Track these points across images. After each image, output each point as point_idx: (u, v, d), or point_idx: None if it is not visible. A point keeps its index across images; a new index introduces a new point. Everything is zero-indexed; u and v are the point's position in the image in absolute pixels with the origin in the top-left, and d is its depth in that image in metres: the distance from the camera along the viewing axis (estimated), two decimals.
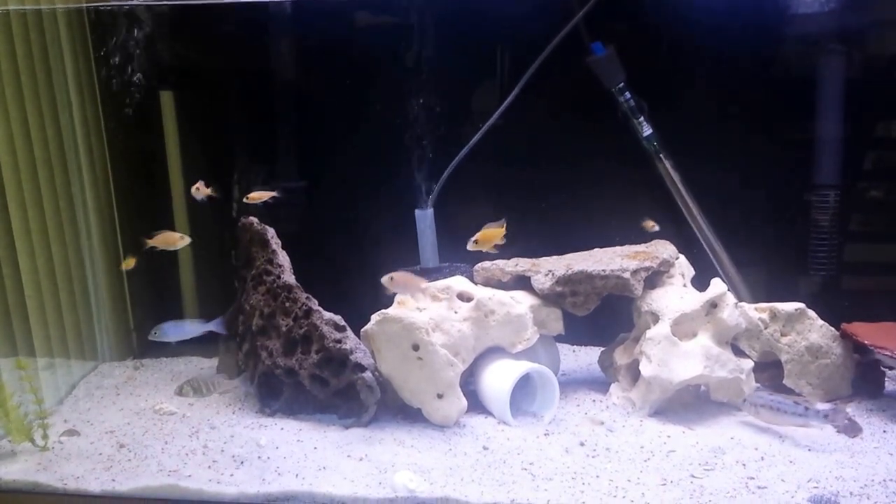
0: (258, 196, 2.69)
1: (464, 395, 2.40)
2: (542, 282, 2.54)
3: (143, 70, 2.99)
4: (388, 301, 2.49)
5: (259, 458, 2.20)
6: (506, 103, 2.92)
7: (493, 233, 2.54)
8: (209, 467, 2.16)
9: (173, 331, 2.55)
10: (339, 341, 2.41)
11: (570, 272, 2.51)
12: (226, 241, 3.00)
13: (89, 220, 2.92)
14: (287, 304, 2.52)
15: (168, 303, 3.22)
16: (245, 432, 2.38)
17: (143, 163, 3.12)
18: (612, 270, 2.49)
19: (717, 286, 2.47)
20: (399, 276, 2.38)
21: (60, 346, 2.77)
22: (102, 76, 2.99)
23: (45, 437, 2.27)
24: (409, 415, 2.42)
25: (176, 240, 2.57)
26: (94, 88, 2.97)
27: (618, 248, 2.71)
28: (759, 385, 2.48)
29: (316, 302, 2.50)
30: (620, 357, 2.59)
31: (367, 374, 2.38)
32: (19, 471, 2.15)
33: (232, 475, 2.11)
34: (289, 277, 2.57)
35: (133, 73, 2.99)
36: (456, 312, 2.48)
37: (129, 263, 2.88)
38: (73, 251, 2.82)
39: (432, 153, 2.95)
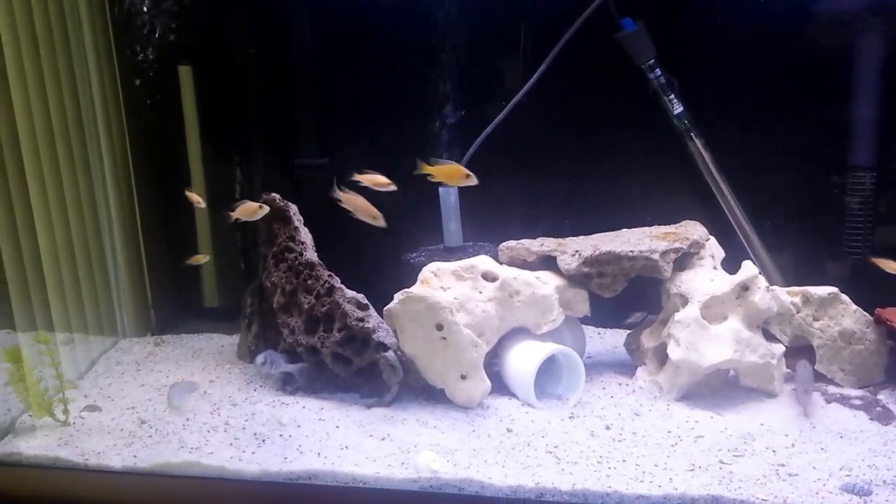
0: (194, 197, 2.67)
1: (488, 376, 2.37)
2: (568, 262, 2.49)
3: (162, 41, 2.96)
4: (411, 280, 2.45)
5: (281, 436, 2.18)
6: (532, 80, 2.86)
7: (453, 169, 2.45)
8: (231, 444, 2.14)
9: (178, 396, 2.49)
10: (361, 320, 2.39)
11: (597, 253, 2.46)
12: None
13: (107, 194, 2.90)
14: (309, 282, 2.50)
15: (186, 279, 3.21)
16: (266, 410, 2.35)
17: (160, 136, 3.10)
18: (641, 251, 2.44)
19: (749, 269, 2.42)
20: (347, 197, 2.39)
21: (79, 322, 2.75)
22: (121, 47, 2.96)
23: (65, 412, 2.26)
24: (433, 395, 2.39)
25: (256, 210, 2.51)
26: (113, 60, 2.94)
27: (646, 229, 2.65)
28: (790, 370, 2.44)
29: (339, 280, 2.47)
30: (648, 340, 2.54)
31: (390, 354, 2.35)
32: (40, 446, 2.14)
33: (254, 453, 2.09)
34: (311, 255, 2.55)
35: (152, 45, 2.97)
36: (480, 292, 2.44)
37: (199, 259, 2.87)
38: (91, 226, 2.80)
39: (458, 129, 2.91)
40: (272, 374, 2.52)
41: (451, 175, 2.45)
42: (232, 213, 2.51)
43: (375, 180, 2.45)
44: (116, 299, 2.98)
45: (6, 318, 2.40)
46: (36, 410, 2.24)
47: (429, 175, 2.44)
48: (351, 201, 2.40)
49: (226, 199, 3.01)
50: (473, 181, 2.41)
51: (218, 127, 3.13)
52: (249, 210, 2.51)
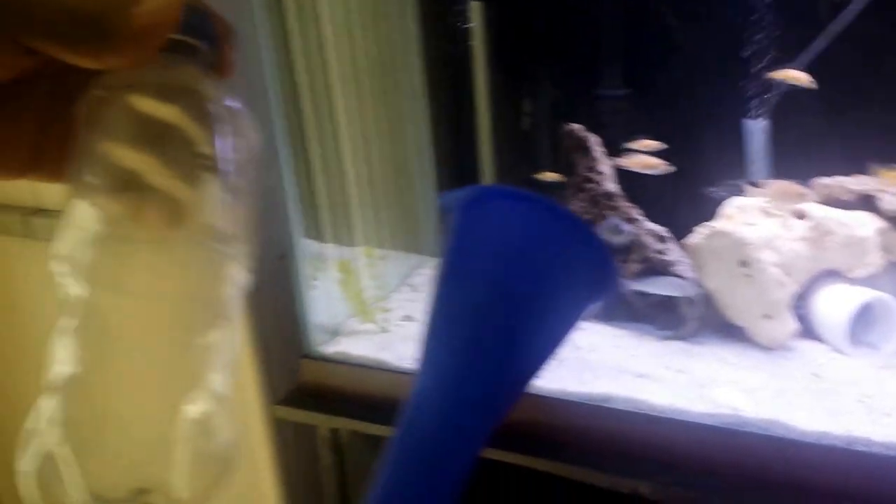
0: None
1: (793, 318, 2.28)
2: (892, 203, 2.31)
3: None
4: (713, 215, 2.40)
5: (577, 359, 2.26)
6: (855, 6, 2.62)
7: (787, 187, 2.24)
8: None
9: None
10: (660, 252, 2.38)
11: None
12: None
13: (412, 124, 3.06)
14: (608, 213, 2.53)
15: None
16: None
17: (454, 69, 3.19)
18: None
19: None
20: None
21: (394, 241, 2.97)
22: None
23: (385, 320, 2.49)
24: (732, 333, 2.34)
25: (654, 163, 2.45)
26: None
27: None
28: None
29: (639, 210, 2.48)
30: None
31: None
32: (365, 347, 2.39)
33: (553, 372, 2.18)
34: (610, 185, 2.56)
35: None
36: (790, 231, 2.33)
37: (550, 176, 2.87)
38: (399, 153, 2.98)
39: (767, 58, 2.75)
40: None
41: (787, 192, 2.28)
42: (625, 163, 2.50)
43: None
44: (424, 221, 3.18)
45: (323, 233, 2.65)
46: (363, 316, 2.49)
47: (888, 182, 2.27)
48: (778, 190, 2.28)
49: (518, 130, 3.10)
50: None
51: (514, 59, 3.17)
52: (645, 163, 2.47)
